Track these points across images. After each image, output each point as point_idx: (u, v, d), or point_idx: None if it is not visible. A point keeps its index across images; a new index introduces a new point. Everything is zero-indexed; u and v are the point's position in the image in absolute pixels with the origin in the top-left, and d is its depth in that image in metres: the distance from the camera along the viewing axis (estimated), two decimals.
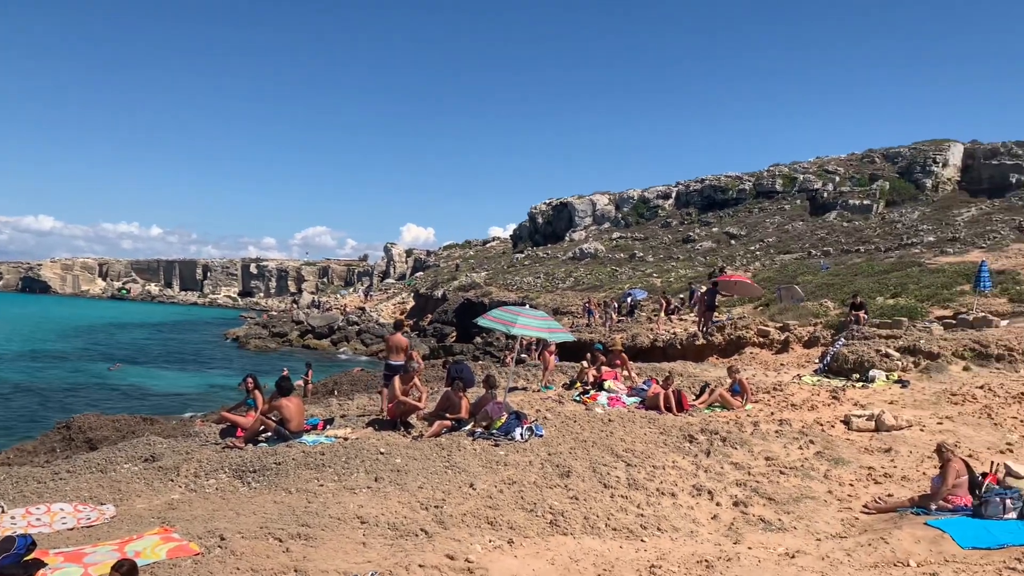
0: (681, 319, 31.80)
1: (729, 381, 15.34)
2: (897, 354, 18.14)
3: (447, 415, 11.84)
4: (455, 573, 6.56)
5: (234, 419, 12.11)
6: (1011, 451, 11.21)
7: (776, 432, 12.34)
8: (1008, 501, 8.05)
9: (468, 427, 11.67)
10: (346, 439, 11.16)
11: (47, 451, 17.25)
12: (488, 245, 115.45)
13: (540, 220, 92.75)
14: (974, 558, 7.03)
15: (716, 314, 26.70)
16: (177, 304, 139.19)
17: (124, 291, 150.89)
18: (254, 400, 12.55)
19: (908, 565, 7.03)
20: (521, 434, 11.13)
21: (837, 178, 73.52)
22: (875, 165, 74.43)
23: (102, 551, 6.51)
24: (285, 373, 18.31)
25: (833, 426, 12.98)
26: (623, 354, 18.28)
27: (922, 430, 12.44)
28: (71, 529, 7.51)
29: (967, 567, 6.73)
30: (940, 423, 12.83)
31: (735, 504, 9.12)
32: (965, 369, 16.95)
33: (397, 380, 12.17)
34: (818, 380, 17.65)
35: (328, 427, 12.26)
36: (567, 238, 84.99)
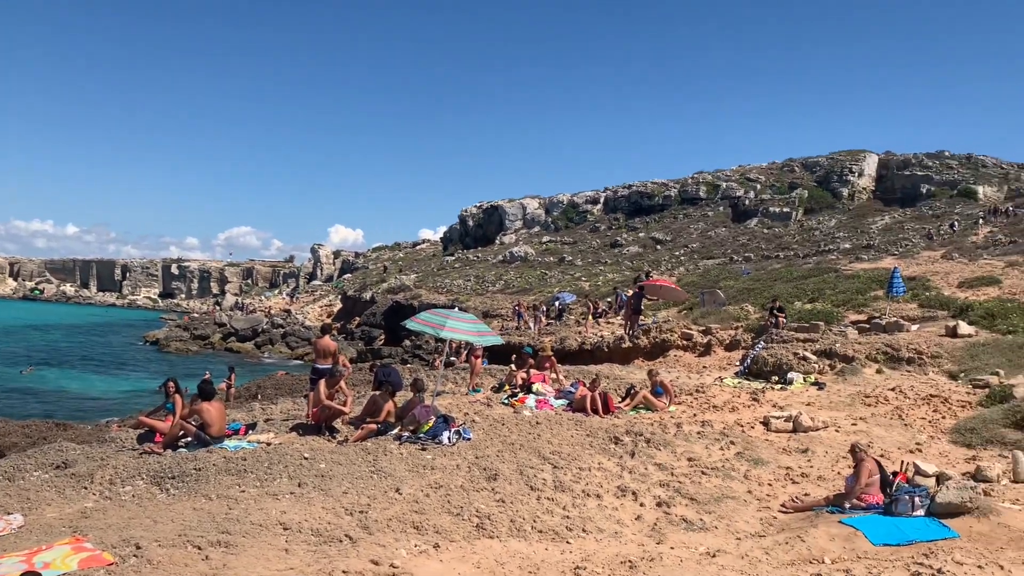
0: (608, 322, 32.24)
1: (650, 384, 15.59)
2: (814, 357, 18.75)
3: (372, 419, 11.72)
4: None
5: (153, 424, 11.75)
6: (920, 451, 11.72)
7: (698, 433, 12.60)
8: (917, 499, 8.38)
9: (395, 431, 11.57)
10: (269, 444, 10.95)
11: None
12: (418, 247, 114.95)
13: (471, 223, 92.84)
14: (885, 554, 7.29)
15: (642, 318, 27.15)
16: (94, 305, 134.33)
17: (37, 291, 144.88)
18: (174, 404, 12.19)
19: (823, 562, 7.25)
20: (449, 438, 11.09)
21: (758, 186, 75.75)
22: (795, 174, 76.96)
23: (8, 563, 6.23)
24: (207, 376, 17.87)
25: (753, 427, 13.34)
26: (552, 357, 18.41)
27: (837, 431, 12.89)
28: None
29: (878, 563, 6.98)
30: (854, 424, 13.32)
31: (658, 504, 9.27)
32: (878, 372, 17.61)
33: (322, 384, 12.00)
34: (739, 382, 18.12)
35: (251, 432, 12.00)
36: (498, 241, 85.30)
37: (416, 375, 17.84)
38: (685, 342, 24.77)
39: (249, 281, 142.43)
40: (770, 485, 10.24)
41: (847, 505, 8.79)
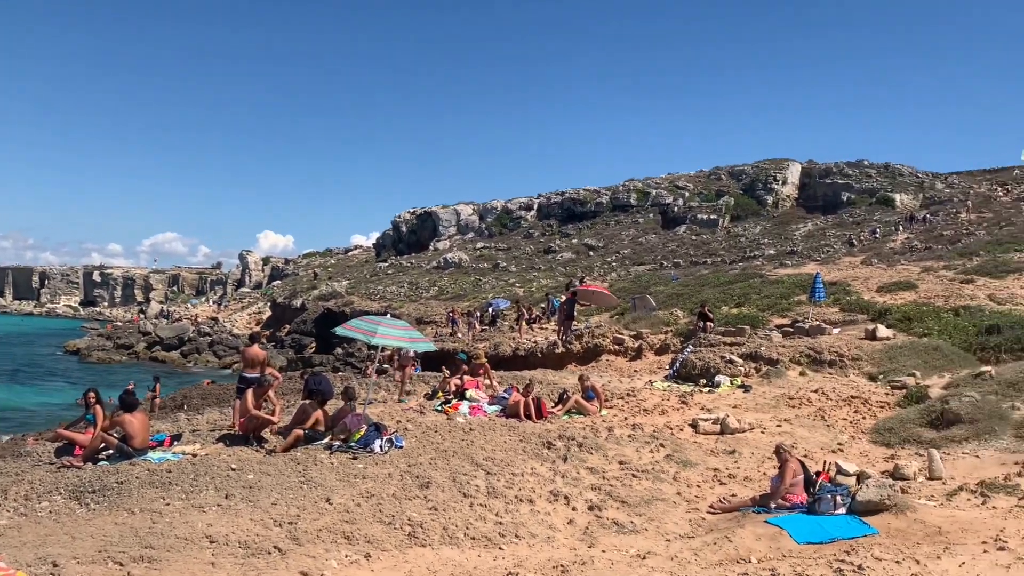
0: (542, 328, 32.43)
1: (582, 389, 15.72)
2: (740, 360, 19.19)
3: (301, 426, 11.52)
4: None
5: (72, 436, 11.34)
6: (842, 451, 12.10)
7: (629, 436, 12.76)
8: (838, 497, 8.67)
9: (326, 441, 11.40)
10: (195, 455, 10.65)
11: None
12: (350, 253, 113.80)
13: (404, 229, 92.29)
14: (808, 552, 7.51)
15: (575, 323, 27.37)
16: (9, 314, 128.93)
17: None
18: (94, 416, 11.77)
19: (750, 562, 7.42)
20: (381, 446, 10.98)
21: (687, 193, 77.31)
22: (721, 182, 78.76)
23: None
24: (130, 387, 17.27)
25: (682, 429, 13.57)
26: (486, 363, 18.39)
27: (763, 432, 13.22)
28: None
29: (802, 561, 7.18)
30: (779, 425, 13.68)
31: (590, 508, 9.35)
32: (801, 374, 18.12)
33: (249, 393, 11.74)
34: (668, 386, 18.42)
35: (176, 443, 11.66)
36: (431, 247, 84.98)
37: (347, 383, 17.57)
38: (617, 347, 25.08)
39: (175, 288, 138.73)
40: (699, 487, 10.44)
41: (772, 505, 9.03)
